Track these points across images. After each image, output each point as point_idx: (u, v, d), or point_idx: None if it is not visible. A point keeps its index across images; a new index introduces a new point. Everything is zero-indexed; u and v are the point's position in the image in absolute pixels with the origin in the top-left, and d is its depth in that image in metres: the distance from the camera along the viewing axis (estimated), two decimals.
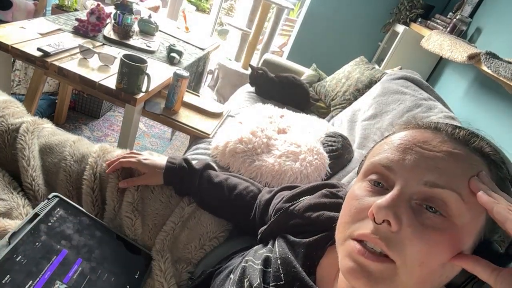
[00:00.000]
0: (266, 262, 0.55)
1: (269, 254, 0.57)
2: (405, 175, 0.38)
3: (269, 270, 0.54)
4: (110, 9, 1.77)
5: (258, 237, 0.66)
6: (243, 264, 0.57)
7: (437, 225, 0.36)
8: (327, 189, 0.65)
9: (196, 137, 1.40)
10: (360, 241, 0.39)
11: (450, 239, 0.35)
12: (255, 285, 0.52)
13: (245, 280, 0.54)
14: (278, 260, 0.54)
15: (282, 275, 0.52)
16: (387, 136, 0.46)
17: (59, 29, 1.48)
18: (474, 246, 0.37)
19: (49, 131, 0.82)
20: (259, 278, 0.52)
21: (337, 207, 0.58)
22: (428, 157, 0.38)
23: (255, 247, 0.64)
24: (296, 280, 0.50)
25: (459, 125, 0.43)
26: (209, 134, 1.37)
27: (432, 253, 0.35)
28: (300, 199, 0.64)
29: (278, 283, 0.51)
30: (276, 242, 0.59)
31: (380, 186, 0.41)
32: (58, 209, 0.63)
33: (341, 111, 1.94)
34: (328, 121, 1.93)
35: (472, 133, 0.41)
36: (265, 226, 0.65)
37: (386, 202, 0.36)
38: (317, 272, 0.54)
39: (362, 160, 0.49)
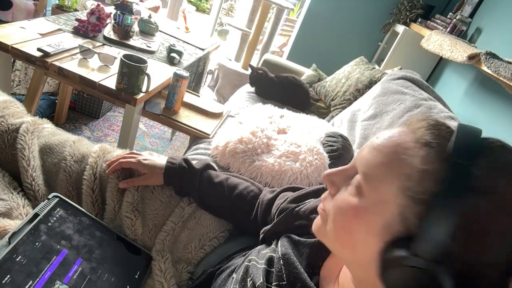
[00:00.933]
0: (270, 262, 0.56)
1: (273, 254, 0.57)
2: (355, 160, 0.46)
3: (273, 270, 0.54)
4: (110, 9, 1.77)
5: (261, 236, 0.66)
6: (246, 264, 0.58)
7: (351, 193, 0.42)
8: None
9: (196, 137, 1.40)
10: None
11: (357, 206, 0.41)
12: (258, 284, 0.52)
13: (248, 279, 0.54)
14: (281, 260, 0.54)
15: (284, 275, 0.52)
16: None
17: (59, 29, 1.48)
18: (392, 233, 0.38)
19: (49, 131, 0.82)
20: (263, 277, 0.53)
21: None
22: (368, 147, 0.44)
23: (258, 247, 0.64)
24: (298, 280, 0.51)
25: (434, 120, 0.42)
26: (209, 134, 1.37)
27: (339, 208, 0.43)
28: (306, 201, 0.65)
29: (281, 283, 0.51)
30: (280, 241, 0.59)
31: None
32: (58, 209, 0.63)
33: (341, 111, 1.94)
34: (328, 121, 1.93)
35: (428, 125, 0.41)
36: (269, 226, 0.66)
37: (329, 172, 0.47)
38: (321, 272, 0.55)
39: None
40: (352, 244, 0.42)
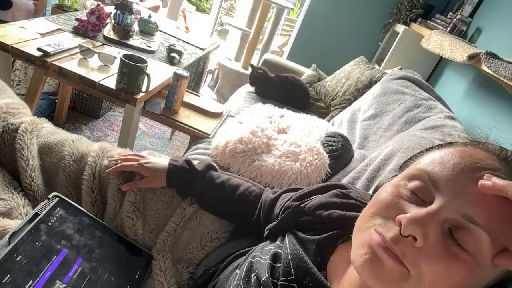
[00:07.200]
0: (275, 257, 0.56)
1: (278, 250, 0.57)
2: (449, 197, 0.37)
3: (278, 265, 0.54)
4: (110, 9, 1.77)
5: (265, 233, 0.67)
6: (250, 260, 0.58)
7: (460, 255, 0.35)
8: (339, 189, 0.65)
9: (196, 137, 1.40)
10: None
11: (466, 270, 0.35)
12: (263, 279, 0.52)
13: (252, 275, 0.54)
14: (289, 256, 0.54)
15: (292, 270, 0.52)
16: (444, 145, 0.44)
17: (59, 29, 1.48)
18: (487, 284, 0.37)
19: (48, 131, 0.82)
20: (267, 272, 0.53)
21: (348, 207, 0.59)
22: (477, 189, 0.35)
23: (262, 244, 0.64)
24: (307, 275, 0.51)
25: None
26: (209, 134, 1.37)
27: (445, 278, 0.35)
28: (311, 198, 0.65)
29: (288, 278, 0.51)
30: (286, 238, 0.59)
31: (417, 196, 0.39)
32: (58, 209, 0.63)
33: (341, 111, 1.94)
34: (328, 121, 1.93)
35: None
36: (273, 223, 0.66)
37: (418, 217, 0.36)
38: (327, 268, 0.55)
39: (410, 158, 0.48)
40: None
